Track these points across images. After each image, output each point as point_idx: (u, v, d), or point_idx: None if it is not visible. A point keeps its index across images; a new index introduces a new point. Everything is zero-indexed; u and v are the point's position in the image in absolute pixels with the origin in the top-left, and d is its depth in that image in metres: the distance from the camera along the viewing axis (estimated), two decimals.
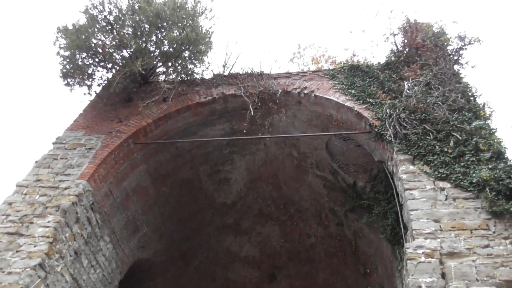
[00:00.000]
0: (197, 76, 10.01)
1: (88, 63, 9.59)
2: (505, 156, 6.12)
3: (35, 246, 6.45)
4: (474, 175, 5.91)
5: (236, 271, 11.97)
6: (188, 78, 9.97)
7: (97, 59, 9.57)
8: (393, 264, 8.24)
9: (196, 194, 10.76)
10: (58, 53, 9.38)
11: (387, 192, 8.26)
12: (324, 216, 10.98)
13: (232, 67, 10.20)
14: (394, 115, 7.34)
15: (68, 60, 9.36)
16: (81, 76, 9.49)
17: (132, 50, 9.36)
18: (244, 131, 9.10)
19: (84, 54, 9.38)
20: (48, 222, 6.87)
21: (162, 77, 10.06)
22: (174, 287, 10.88)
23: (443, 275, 5.04)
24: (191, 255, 11.26)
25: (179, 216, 10.59)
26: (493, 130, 6.68)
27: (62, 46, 9.34)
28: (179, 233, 10.76)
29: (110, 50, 9.40)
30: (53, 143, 8.72)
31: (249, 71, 9.69)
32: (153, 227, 9.92)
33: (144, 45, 9.41)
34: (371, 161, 9.68)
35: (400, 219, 6.82)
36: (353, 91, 8.43)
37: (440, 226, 5.57)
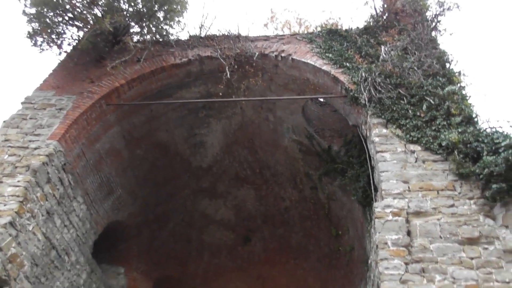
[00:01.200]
0: (172, 38, 9.73)
1: (57, 21, 9.16)
2: (475, 121, 6.27)
3: (5, 205, 6.34)
4: (444, 138, 6.05)
5: (211, 234, 12.14)
6: (163, 39, 9.69)
7: (66, 17, 9.15)
8: (364, 226, 8.53)
9: (171, 158, 10.70)
10: (24, 12, 8.93)
11: (360, 156, 8.43)
12: (299, 180, 11.14)
13: (209, 28, 9.93)
14: (369, 79, 7.37)
15: (35, 18, 8.92)
16: (49, 35, 9.09)
17: (103, 8, 8.98)
18: (220, 94, 8.99)
19: (52, 12, 8.93)
20: (18, 181, 6.73)
21: (136, 38, 9.73)
22: (149, 249, 10.96)
23: (408, 233, 5.24)
24: (166, 218, 11.31)
25: (154, 179, 10.55)
26: (466, 96, 6.81)
27: (28, 3, 8.88)
28: (154, 196, 10.75)
29: (80, 7, 8.99)
30: (22, 103, 8.43)
31: (226, 33, 9.47)
32: (127, 190, 9.87)
33: (115, 2, 9.03)
34: (346, 126, 9.81)
35: (372, 182, 6.99)
36: (330, 55, 8.38)
37: (409, 187, 5.74)
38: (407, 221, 5.34)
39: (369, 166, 7.19)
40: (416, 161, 6.07)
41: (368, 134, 7.33)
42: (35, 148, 7.37)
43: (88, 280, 8.56)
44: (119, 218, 9.85)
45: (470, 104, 6.67)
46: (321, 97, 9.24)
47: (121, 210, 9.83)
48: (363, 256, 9.21)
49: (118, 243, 10.46)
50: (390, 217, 5.40)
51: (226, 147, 11.21)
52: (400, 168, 6.01)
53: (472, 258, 4.83)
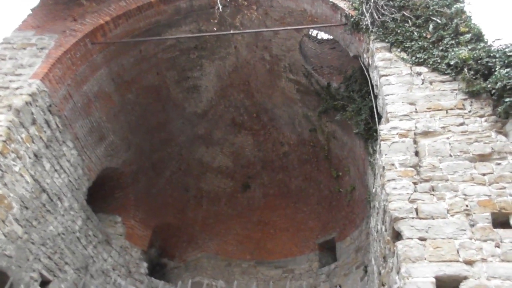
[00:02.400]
0: None
1: None
2: (485, 38, 5.85)
3: None
4: (452, 56, 5.65)
5: (209, 182, 11.92)
6: None
7: None
8: (365, 163, 8.29)
9: (164, 103, 10.27)
10: None
11: (361, 90, 8.05)
12: (297, 122, 10.81)
13: None
14: (371, 2, 6.85)
15: None
16: None
17: None
18: (215, 29, 8.46)
19: None
20: (0, 121, 6.35)
21: None
22: (146, 197, 10.76)
23: (416, 153, 4.95)
24: (162, 166, 11.04)
25: (147, 125, 10.17)
26: (472, 15, 6.35)
27: None
28: (148, 143, 10.42)
29: None
30: None
31: None
32: (120, 136, 9.51)
33: None
34: (346, 62, 9.37)
35: (375, 110, 6.64)
36: None
37: (416, 109, 5.41)
38: (415, 142, 5.04)
39: (372, 95, 6.81)
40: (422, 83, 5.71)
41: (370, 62, 6.91)
42: (17, 88, 6.93)
43: (84, 227, 8.38)
44: (113, 165, 9.56)
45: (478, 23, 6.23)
46: (319, 27, 8.70)
47: (114, 157, 9.52)
48: (365, 194, 9.05)
49: (114, 191, 10.24)
50: (397, 139, 5.09)
51: (221, 91, 10.77)
52: (406, 91, 5.65)
53: (484, 174, 4.56)
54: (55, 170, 7.41)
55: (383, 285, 5.44)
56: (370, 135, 7.31)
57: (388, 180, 4.73)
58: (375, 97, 6.68)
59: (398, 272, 4.27)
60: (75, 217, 8.05)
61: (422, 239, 4.18)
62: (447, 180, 4.60)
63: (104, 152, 9.12)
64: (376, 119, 6.53)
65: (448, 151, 4.84)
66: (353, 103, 8.08)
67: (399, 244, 4.19)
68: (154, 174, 10.94)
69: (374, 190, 6.33)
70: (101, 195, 9.97)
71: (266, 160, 11.86)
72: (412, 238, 4.20)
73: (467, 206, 4.37)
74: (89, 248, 8.42)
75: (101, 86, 8.60)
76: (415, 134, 5.10)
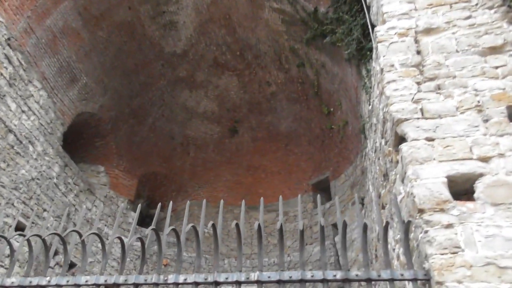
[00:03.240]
0: None
1: None
2: None
3: None
4: None
5: (195, 128, 11.37)
6: None
7: None
8: (358, 90, 7.78)
9: (140, 42, 9.50)
10: None
11: (351, 9, 7.39)
12: (284, 58, 10.15)
13: None
14: None
15: None
16: None
17: None
18: None
19: None
20: None
21: None
22: (129, 146, 10.21)
23: (418, 53, 4.39)
24: (143, 112, 10.42)
25: (123, 67, 9.45)
26: None
27: None
28: (127, 87, 9.73)
29: None
30: None
31: None
32: (94, 78, 8.81)
33: None
34: None
35: (368, 22, 6.02)
36: None
37: (415, 6, 4.79)
38: (416, 41, 4.47)
39: (364, 6, 6.16)
40: None
41: None
42: None
43: (63, 174, 7.84)
44: (89, 110, 8.91)
45: None
46: None
47: (90, 101, 8.85)
48: (358, 127, 8.60)
49: (94, 140, 9.66)
50: (396, 39, 4.50)
51: (200, 27, 9.98)
52: None
53: (496, 68, 4.03)
54: (23, 111, 6.76)
55: (383, 207, 5.06)
56: (363, 55, 6.74)
57: (388, 82, 4.19)
58: (368, 8, 6.04)
59: (403, 180, 3.83)
60: (51, 163, 7.49)
61: (429, 139, 3.70)
62: (454, 77, 4.07)
63: (77, 96, 8.44)
64: (370, 27, 5.92)
65: (455, 46, 4.29)
66: (343, 24, 7.43)
67: (404, 146, 3.71)
68: (135, 121, 10.33)
69: (370, 107, 5.82)
70: (80, 144, 9.40)
71: (253, 102, 11.28)
72: (418, 139, 3.71)
73: (478, 102, 3.86)
74: (69, 196, 7.93)
75: (66, 20, 7.79)
76: (416, 32, 4.51)
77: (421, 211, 3.30)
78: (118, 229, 9.32)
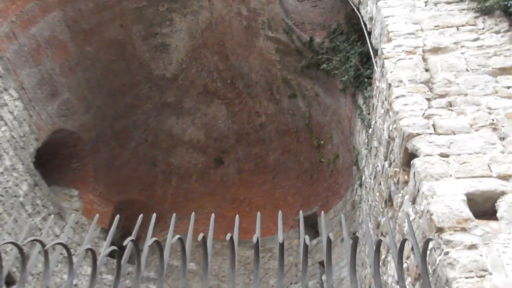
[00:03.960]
0: None
1: None
2: None
3: None
4: None
5: (180, 156, 10.89)
6: None
7: None
8: (352, 121, 7.56)
9: (129, 62, 9.21)
10: None
11: (348, 39, 7.32)
12: (276, 88, 9.97)
13: None
14: None
15: None
16: None
17: None
18: None
19: None
20: None
21: None
22: (108, 170, 9.63)
23: (426, 70, 4.18)
24: (126, 135, 9.94)
25: (110, 86, 9.08)
26: None
27: None
28: (111, 107, 9.32)
29: None
30: None
31: None
32: (77, 94, 8.40)
33: None
34: (330, 18, 8.66)
35: (369, 45, 5.87)
36: None
37: (421, 27, 4.66)
38: (424, 59, 4.28)
39: (365, 31, 6.04)
40: (426, 5, 4.98)
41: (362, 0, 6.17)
42: None
43: (31, 194, 7.19)
44: (69, 127, 8.41)
45: None
46: None
47: (70, 118, 8.38)
48: (349, 161, 8.32)
49: (71, 161, 9.08)
50: (403, 56, 4.32)
51: (192, 52, 9.79)
52: (408, 12, 4.90)
53: (508, 87, 3.84)
54: None
55: (383, 235, 4.66)
56: (360, 82, 6.56)
57: (397, 97, 3.94)
58: (369, 33, 5.92)
59: (414, 200, 3.47)
60: (19, 180, 6.88)
61: (444, 155, 3.39)
62: (466, 95, 3.85)
63: (57, 111, 7.97)
64: (371, 52, 5.76)
65: (464, 65, 4.11)
66: (340, 53, 7.32)
67: (417, 161, 3.38)
68: (117, 144, 9.83)
69: (370, 130, 5.54)
70: (55, 165, 8.79)
71: (241, 132, 10.95)
72: (432, 155, 3.40)
73: (493, 120, 3.61)
74: (36, 219, 7.24)
75: (53, 31, 7.49)
76: (423, 51, 4.34)
77: (440, 230, 2.91)
78: (87, 260, 8.56)
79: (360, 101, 6.67)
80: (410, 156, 3.62)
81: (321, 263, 8.74)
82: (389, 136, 4.25)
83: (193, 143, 10.99)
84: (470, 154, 3.36)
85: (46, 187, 7.74)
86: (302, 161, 10.25)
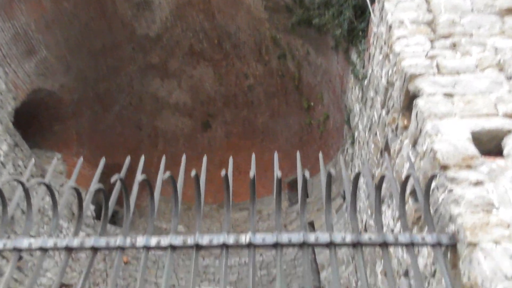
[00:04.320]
0: None
1: None
2: None
3: None
4: None
5: (166, 120, 10.61)
6: None
7: None
8: (344, 79, 7.36)
9: (110, 20, 8.74)
10: None
11: None
12: (264, 49, 9.66)
13: None
14: None
15: None
16: None
17: None
18: None
19: None
20: None
21: None
22: (92, 133, 9.31)
23: (429, 11, 3.97)
24: (110, 98, 9.58)
25: (90, 46, 8.64)
26: None
27: None
28: (92, 69, 8.90)
29: None
30: None
31: None
32: (55, 53, 7.96)
33: None
34: None
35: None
36: None
37: None
38: (426, 1, 4.05)
39: None
40: None
41: None
42: None
43: (11, 154, 6.87)
44: (48, 87, 8.02)
45: None
46: None
47: (49, 78, 7.97)
48: (340, 121, 8.18)
49: (52, 123, 8.74)
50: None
51: (177, 10, 9.34)
52: None
53: None
54: None
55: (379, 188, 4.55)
56: (354, 36, 6.32)
57: (398, 38, 3.74)
58: None
59: (415, 143, 3.33)
60: None
61: (448, 95, 3.23)
62: (471, 35, 3.66)
63: (35, 69, 7.56)
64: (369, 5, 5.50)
65: (470, 6, 3.91)
66: (332, 7, 7.03)
67: (420, 101, 3.22)
68: (100, 107, 9.47)
69: (367, 79, 5.36)
70: (35, 128, 8.44)
71: (228, 95, 10.68)
72: (435, 94, 3.23)
73: (499, 60, 3.45)
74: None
75: None
76: None
77: (445, 167, 2.77)
78: (74, 222, 8.37)
79: (354, 56, 6.45)
80: (411, 98, 3.46)
81: (311, 223, 8.74)
82: (387, 82, 4.07)
83: (179, 106, 10.69)
84: (476, 93, 3.21)
85: (27, 148, 7.42)
86: (291, 124, 10.09)
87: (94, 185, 2.32)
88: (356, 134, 6.32)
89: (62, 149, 8.81)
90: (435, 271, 3.05)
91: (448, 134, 2.95)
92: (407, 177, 2.55)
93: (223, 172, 2.46)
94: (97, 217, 8.93)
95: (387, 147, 4.23)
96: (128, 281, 8.57)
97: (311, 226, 8.62)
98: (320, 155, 2.75)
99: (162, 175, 2.57)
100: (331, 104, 8.57)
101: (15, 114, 7.23)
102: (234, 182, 10.23)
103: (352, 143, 6.86)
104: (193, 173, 2.62)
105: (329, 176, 2.40)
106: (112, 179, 2.37)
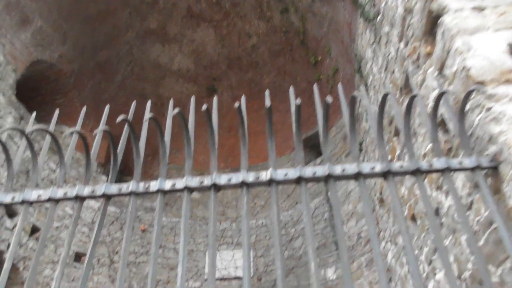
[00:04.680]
0: None
1: None
2: None
3: None
4: None
5: (169, 87, 10.37)
6: None
7: None
8: (353, 24, 7.01)
9: None
10: None
11: None
12: (265, 4, 9.27)
13: None
14: None
15: None
16: None
17: None
18: None
19: None
20: None
21: None
22: (96, 104, 9.13)
23: None
24: (111, 67, 9.33)
25: (85, 14, 8.32)
26: None
27: None
28: (90, 37, 8.62)
29: None
30: None
31: None
32: (51, 22, 7.67)
33: None
34: None
35: None
36: None
37: None
38: None
39: None
40: None
41: None
42: None
43: (18, 127, 6.72)
44: (47, 58, 7.78)
45: None
46: None
47: (47, 48, 7.72)
48: (350, 73, 7.89)
49: (54, 97, 8.54)
50: None
51: None
52: None
53: None
54: None
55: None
56: None
57: None
58: None
59: (441, 68, 3.07)
60: (3, 113, 6.40)
61: (477, 8, 2.94)
62: None
63: (31, 40, 7.30)
64: None
65: None
66: None
67: (447, 17, 2.94)
68: (102, 77, 9.24)
69: (380, 15, 5.05)
70: (38, 101, 8.26)
71: (232, 57, 10.37)
72: (463, 9, 2.95)
73: None
74: (27, 152, 6.82)
75: None
76: None
77: (481, 84, 2.56)
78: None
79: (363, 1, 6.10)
80: (434, 19, 3.18)
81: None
82: (405, 10, 3.78)
83: (183, 72, 10.42)
84: (510, 4, 2.93)
85: (34, 122, 7.27)
86: (299, 82, 9.80)
87: (101, 126, 2.14)
88: (369, 80, 6.06)
89: (67, 122, 8.65)
90: (471, 203, 2.86)
91: (482, 48, 2.70)
92: (441, 95, 2.32)
93: (236, 104, 2.26)
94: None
95: (407, 84, 3.99)
96: (147, 248, 8.59)
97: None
98: (315, 86, 2.53)
99: (171, 115, 2.37)
100: (339, 56, 8.25)
101: (18, 89, 7.05)
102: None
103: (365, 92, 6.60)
104: (204, 107, 2.41)
105: (326, 106, 2.19)
106: (118, 119, 2.19)
